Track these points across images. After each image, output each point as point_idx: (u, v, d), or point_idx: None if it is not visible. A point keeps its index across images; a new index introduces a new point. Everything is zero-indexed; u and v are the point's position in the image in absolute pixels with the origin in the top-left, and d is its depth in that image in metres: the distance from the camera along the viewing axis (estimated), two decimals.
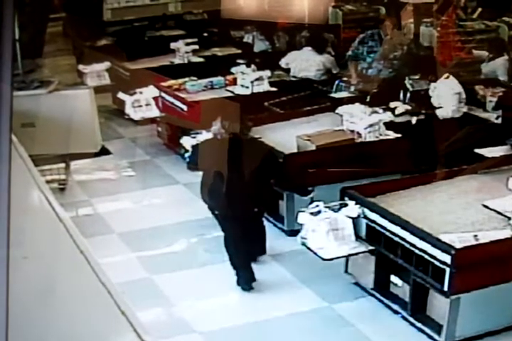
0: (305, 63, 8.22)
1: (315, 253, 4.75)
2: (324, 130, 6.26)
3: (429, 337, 4.48)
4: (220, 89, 7.75)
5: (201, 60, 8.98)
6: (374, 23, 9.95)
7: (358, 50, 7.96)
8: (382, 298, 4.87)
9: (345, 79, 8.00)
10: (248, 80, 7.60)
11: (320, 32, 9.23)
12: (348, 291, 5.06)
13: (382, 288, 4.87)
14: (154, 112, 7.58)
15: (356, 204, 4.83)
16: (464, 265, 4.17)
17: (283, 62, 8.37)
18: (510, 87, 7.24)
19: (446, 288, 4.23)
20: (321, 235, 4.72)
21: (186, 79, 7.85)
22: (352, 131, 6.12)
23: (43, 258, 2.34)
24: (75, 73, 9.15)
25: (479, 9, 9.68)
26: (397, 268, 4.69)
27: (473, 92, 6.88)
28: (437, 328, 4.41)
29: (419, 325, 4.56)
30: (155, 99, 7.55)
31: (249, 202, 5.18)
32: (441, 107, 6.52)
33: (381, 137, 6.11)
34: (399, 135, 6.17)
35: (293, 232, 5.40)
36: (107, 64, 8.43)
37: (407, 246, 4.47)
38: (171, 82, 7.85)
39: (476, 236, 4.39)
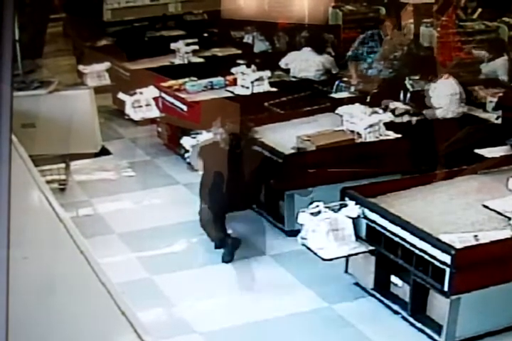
0: (304, 63, 8.22)
1: (315, 254, 4.75)
2: (324, 130, 6.27)
3: (429, 337, 4.48)
4: (220, 90, 7.76)
5: (201, 60, 8.98)
6: (374, 23, 9.96)
7: (358, 51, 7.97)
8: (382, 298, 4.87)
9: (345, 79, 8.01)
10: (248, 80, 7.61)
11: (320, 32, 9.24)
12: (348, 291, 5.07)
13: (382, 288, 4.87)
14: (154, 112, 7.59)
15: (356, 204, 4.83)
16: (464, 265, 4.17)
17: (282, 63, 8.38)
18: (510, 88, 7.25)
19: (446, 289, 4.23)
20: (321, 235, 4.72)
21: (186, 79, 7.85)
22: (352, 132, 6.13)
23: (43, 259, 2.34)
24: (75, 73, 9.16)
25: (479, 10, 9.68)
26: (397, 268, 4.69)
27: (471, 93, 6.89)
28: (437, 328, 4.41)
29: (419, 325, 4.56)
30: (155, 99, 7.55)
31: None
32: (440, 107, 6.52)
33: (381, 137, 6.11)
34: (399, 135, 6.17)
35: (293, 232, 5.40)
36: (107, 64, 8.44)
37: (407, 246, 4.47)
38: (171, 82, 7.85)
39: (476, 236, 4.39)
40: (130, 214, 6.57)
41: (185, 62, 8.88)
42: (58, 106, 6.79)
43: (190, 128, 6.79)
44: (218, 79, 7.83)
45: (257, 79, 7.61)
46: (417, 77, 7.00)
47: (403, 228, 4.51)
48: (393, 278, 4.77)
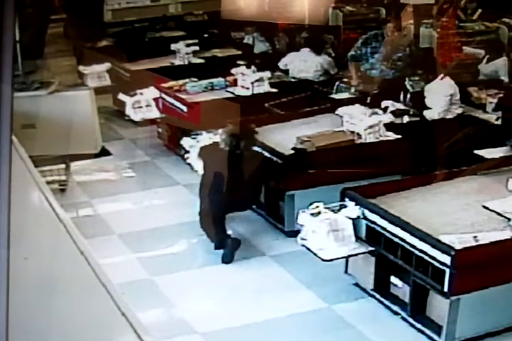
0: (303, 64, 8.23)
1: (315, 254, 4.75)
2: (324, 131, 6.27)
3: (429, 338, 4.48)
4: (221, 90, 7.76)
5: (201, 61, 8.98)
6: (376, 24, 9.97)
7: (360, 51, 7.96)
8: (382, 299, 4.87)
9: (345, 80, 8.01)
10: (248, 81, 7.61)
11: (319, 33, 9.24)
12: (347, 292, 5.07)
13: (382, 288, 4.87)
14: (154, 113, 7.59)
15: (356, 205, 4.84)
16: (463, 266, 4.17)
17: (282, 64, 8.38)
18: (510, 88, 7.25)
19: (446, 289, 4.23)
20: (321, 236, 4.72)
21: (187, 80, 7.85)
22: (352, 132, 6.13)
23: (44, 259, 2.35)
24: (76, 74, 9.15)
25: (479, 10, 9.67)
26: (397, 269, 4.69)
27: (470, 94, 6.89)
28: (437, 329, 4.41)
29: (418, 325, 4.56)
30: (155, 100, 7.55)
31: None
32: (435, 108, 6.51)
33: (381, 138, 6.12)
34: (399, 136, 6.17)
35: (293, 233, 5.41)
36: (107, 65, 8.44)
37: (407, 247, 4.47)
38: (172, 83, 7.85)
39: (475, 237, 4.39)
40: (130, 214, 6.57)
41: (186, 62, 8.88)
42: (58, 107, 6.79)
43: (190, 128, 6.79)
44: (218, 80, 7.83)
45: (257, 80, 7.62)
46: (417, 78, 7.00)
47: (403, 229, 4.52)
48: (393, 279, 4.77)
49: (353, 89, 7.74)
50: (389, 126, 6.19)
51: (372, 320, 4.76)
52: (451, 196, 5.08)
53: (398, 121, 6.43)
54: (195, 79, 7.86)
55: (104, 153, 7.40)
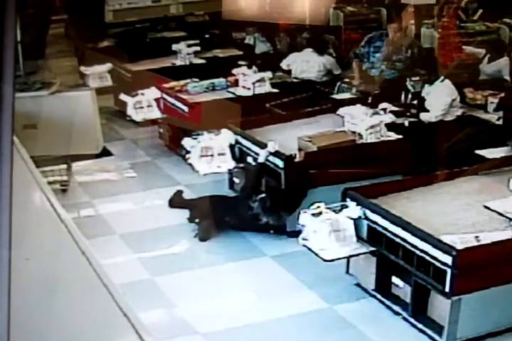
0: (306, 64, 8.23)
1: (316, 255, 4.75)
2: (325, 131, 6.27)
3: (430, 338, 4.48)
4: (222, 91, 7.76)
5: (203, 61, 8.98)
6: (377, 24, 9.98)
7: (363, 49, 7.96)
8: (383, 299, 4.87)
9: (347, 80, 8.01)
10: (250, 82, 7.61)
11: (321, 33, 9.24)
12: (349, 292, 5.07)
13: (383, 289, 4.87)
14: (156, 113, 7.59)
15: (357, 205, 4.84)
16: (465, 266, 4.17)
17: (284, 64, 8.39)
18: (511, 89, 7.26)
19: (447, 289, 4.23)
20: (323, 236, 4.72)
21: (188, 80, 7.85)
22: (353, 132, 6.13)
23: (45, 260, 2.35)
24: (77, 75, 9.17)
25: (480, 11, 9.68)
26: (398, 269, 4.69)
27: (470, 94, 6.88)
28: (438, 329, 4.41)
29: (420, 326, 4.56)
30: (156, 100, 7.55)
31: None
32: (434, 111, 6.49)
33: (382, 138, 6.12)
34: (400, 136, 6.17)
35: (294, 233, 5.41)
36: (108, 65, 8.45)
37: (409, 247, 4.47)
38: (173, 83, 7.85)
39: (477, 237, 4.39)
40: (131, 215, 6.57)
41: (187, 63, 8.88)
42: (60, 108, 6.79)
43: (191, 129, 6.79)
44: (220, 81, 7.83)
45: (258, 80, 7.62)
46: (418, 78, 7.00)
47: (404, 229, 4.51)
48: (394, 279, 4.77)
49: (354, 90, 7.74)
50: (390, 126, 6.19)
51: (373, 320, 4.76)
52: (453, 196, 5.08)
53: (399, 121, 6.43)
54: (197, 80, 7.86)
55: (105, 153, 7.40)
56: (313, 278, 5.21)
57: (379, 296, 4.90)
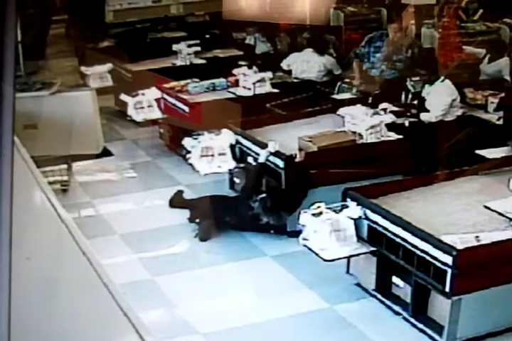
0: (306, 64, 8.24)
1: (316, 254, 4.76)
2: (326, 131, 6.27)
3: (431, 338, 4.48)
4: (222, 91, 7.76)
5: (203, 61, 8.99)
6: (377, 24, 9.97)
7: (364, 49, 7.96)
8: (383, 299, 4.87)
9: (347, 80, 8.01)
10: (250, 82, 7.61)
11: (321, 33, 9.25)
12: (349, 292, 5.07)
13: (383, 289, 4.87)
14: (156, 114, 7.59)
15: (358, 205, 4.84)
16: (465, 266, 4.18)
17: (284, 64, 8.39)
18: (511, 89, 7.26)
19: (447, 289, 4.24)
20: (323, 236, 4.73)
21: (188, 80, 7.86)
22: (353, 133, 6.13)
23: (45, 259, 2.35)
24: (78, 75, 9.17)
25: (480, 10, 9.68)
26: (398, 269, 4.69)
27: (463, 95, 6.88)
28: (438, 329, 4.41)
29: (420, 326, 4.56)
30: (157, 100, 7.56)
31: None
32: (434, 111, 6.49)
33: (383, 138, 6.12)
34: (400, 136, 6.18)
35: (294, 233, 5.41)
36: (109, 65, 8.45)
37: (409, 247, 4.48)
38: (173, 83, 7.86)
39: (477, 237, 4.39)
40: (132, 215, 6.58)
41: (187, 63, 8.88)
42: (60, 108, 6.80)
43: (192, 129, 6.80)
44: (220, 81, 7.84)
45: (258, 81, 7.62)
46: (418, 78, 7.00)
47: (404, 229, 4.52)
48: (395, 279, 4.77)
49: (354, 90, 7.74)
50: (390, 127, 6.20)
51: (373, 320, 4.76)
52: (453, 196, 5.08)
53: (399, 121, 6.43)
54: (197, 80, 7.86)
55: (105, 153, 7.40)
56: (314, 278, 5.21)
57: (379, 296, 4.90)
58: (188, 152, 6.34)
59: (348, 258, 4.96)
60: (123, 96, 7.61)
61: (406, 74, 7.30)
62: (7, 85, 1.47)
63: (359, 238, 4.81)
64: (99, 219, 6.38)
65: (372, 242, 4.80)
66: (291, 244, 5.54)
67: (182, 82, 7.82)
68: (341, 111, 6.37)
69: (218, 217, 5.97)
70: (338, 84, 7.96)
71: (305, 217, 4.78)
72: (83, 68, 8.57)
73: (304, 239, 4.80)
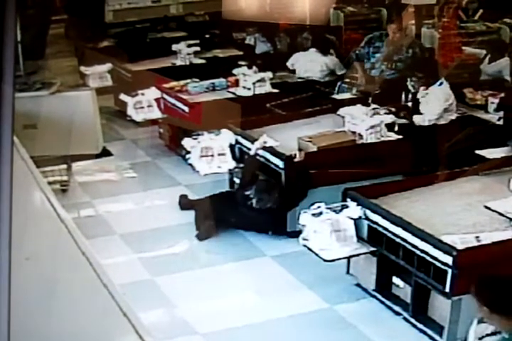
0: (309, 64, 8.24)
1: (316, 255, 4.75)
2: (326, 131, 6.27)
3: (431, 338, 4.48)
4: (222, 91, 7.76)
5: (203, 61, 8.98)
6: (377, 24, 9.97)
7: (364, 50, 7.96)
8: (383, 300, 4.87)
9: (347, 80, 8.01)
10: (250, 82, 7.61)
11: (322, 33, 9.24)
12: (349, 292, 5.07)
13: (383, 289, 4.87)
14: (156, 113, 7.59)
15: (358, 205, 4.83)
16: (465, 266, 4.17)
17: (289, 63, 8.40)
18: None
19: (447, 290, 4.23)
20: (323, 236, 4.72)
21: (188, 80, 7.85)
22: (353, 133, 6.13)
23: (45, 260, 2.35)
24: (77, 75, 9.17)
25: (480, 11, 9.68)
26: (398, 269, 4.69)
27: (462, 95, 6.86)
28: (439, 329, 4.41)
29: (420, 326, 4.56)
30: (157, 100, 7.55)
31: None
32: (428, 114, 6.45)
33: (383, 138, 6.11)
34: (400, 136, 6.17)
35: (294, 233, 5.41)
36: (108, 65, 8.44)
37: (409, 247, 4.47)
38: (173, 83, 7.85)
39: (477, 237, 4.39)
40: (132, 215, 6.58)
41: (187, 63, 8.87)
42: (60, 108, 6.79)
43: (191, 129, 6.79)
44: (220, 81, 7.83)
45: (258, 81, 7.62)
46: (418, 78, 6.98)
47: (405, 229, 4.51)
48: (395, 279, 4.77)
49: (354, 90, 7.73)
50: (390, 127, 6.19)
51: (373, 321, 4.76)
52: (453, 196, 5.08)
53: (400, 121, 6.42)
54: (197, 80, 7.86)
55: (105, 153, 7.39)
56: (314, 279, 5.21)
57: (379, 296, 4.90)
58: (188, 152, 6.34)
59: (348, 258, 4.96)
60: (123, 96, 7.60)
61: (406, 74, 7.29)
62: (7, 85, 1.46)
63: (359, 238, 4.80)
64: (98, 219, 6.38)
65: (372, 242, 4.80)
66: (291, 244, 5.53)
67: (182, 82, 7.82)
68: (341, 111, 6.37)
69: (219, 214, 5.97)
70: (338, 84, 7.96)
71: (305, 217, 4.77)
72: (83, 68, 8.56)
73: (304, 239, 4.80)
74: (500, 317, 2.79)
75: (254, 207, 5.82)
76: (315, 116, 6.87)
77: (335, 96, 7.72)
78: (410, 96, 6.88)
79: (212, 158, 6.22)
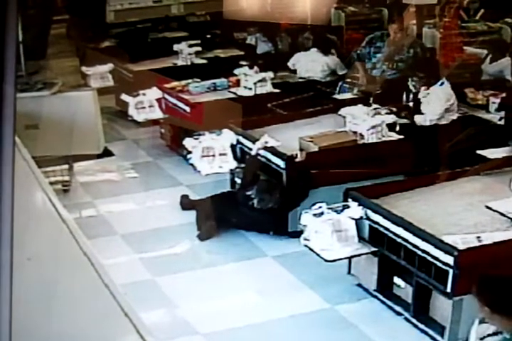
0: (311, 64, 8.24)
1: (318, 255, 4.75)
2: (327, 131, 6.27)
3: (432, 338, 4.48)
4: (223, 91, 7.76)
5: (204, 61, 8.98)
6: (378, 24, 9.96)
7: (365, 49, 7.95)
8: (384, 300, 4.87)
9: (348, 80, 8.01)
10: (251, 82, 7.61)
11: (323, 33, 9.24)
12: (350, 293, 5.07)
13: (385, 289, 4.87)
14: (157, 114, 7.59)
15: (359, 205, 4.83)
16: (466, 266, 4.17)
17: (290, 63, 8.40)
18: None
19: (449, 290, 4.23)
20: (324, 236, 4.72)
21: (189, 80, 7.85)
22: (355, 133, 6.12)
23: (46, 260, 2.35)
24: (79, 75, 9.17)
25: (482, 10, 9.68)
26: (400, 269, 4.69)
27: (463, 95, 6.86)
28: (440, 330, 4.40)
29: (421, 326, 4.56)
30: (158, 100, 7.56)
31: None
32: (429, 115, 6.44)
33: (384, 138, 6.11)
34: (401, 136, 6.17)
35: (295, 234, 5.41)
36: (110, 65, 8.45)
37: (410, 247, 4.47)
38: (174, 83, 7.85)
39: (479, 237, 4.38)
40: (133, 215, 6.58)
41: (188, 63, 8.88)
42: (61, 108, 6.80)
43: (193, 129, 6.80)
44: (221, 81, 7.83)
45: (259, 81, 7.62)
46: (419, 78, 6.98)
47: (406, 229, 4.51)
48: (396, 280, 4.76)
49: (355, 90, 7.73)
50: (392, 127, 6.19)
51: (375, 321, 4.76)
52: (454, 196, 5.08)
53: (401, 121, 6.42)
54: (198, 80, 7.86)
55: (106, 153, 7.40)
56: (315, 279, 5.21)
57: (380, 296, 4.90)
58: (189, 152, 6.34)
59: (350, 258, 4.96)
60: (124, 96, 7.61)
61: (407, 74, 7.29)
62: (8, 85, 1.46)
63: (360, 238, 4.80)
64: (100, 220, 6.38)
65: (373, 242, 4.80)
66: (292, 245, 5.53)
67: (183, 82, 7.82)
68: (342, 111, 6.37)
69: (220, 214, 5.98)
70: (339, 84, 7.96)
71: (306, 218, 4.77)
72: (84, 68, 8.57)
73: (305, 240, 4.80)
74: (502, 318, 2.79)
75: (255, 207, 5.82)
76: (316, 116, 6.87)
77: (336, 96, 7.72)
78: (411, 96, 6.88)
79: (214, 158, 6.22)
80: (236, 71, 7.86)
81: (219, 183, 6.70)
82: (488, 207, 4.83)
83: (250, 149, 6.27)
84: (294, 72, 8.35)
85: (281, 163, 5.89)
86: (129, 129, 8.58)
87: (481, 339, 2.95)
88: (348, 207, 4.85)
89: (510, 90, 7.08)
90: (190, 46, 8.97)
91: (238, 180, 6.53)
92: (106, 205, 6.69)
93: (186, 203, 6.45)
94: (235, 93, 7.68)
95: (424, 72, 6.91)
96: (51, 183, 5.38)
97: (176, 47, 9.00)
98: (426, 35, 8.98)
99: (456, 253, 4.14)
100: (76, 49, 10.98)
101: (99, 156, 7.28)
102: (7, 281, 1.49)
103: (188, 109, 7.41)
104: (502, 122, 6.48)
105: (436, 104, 6.42)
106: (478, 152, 5.90)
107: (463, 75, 7.95)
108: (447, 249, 4.21)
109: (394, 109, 6.53)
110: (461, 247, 4.22)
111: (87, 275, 2.28)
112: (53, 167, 6.75)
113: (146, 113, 7.53)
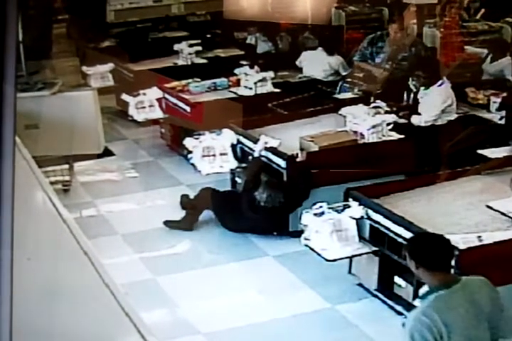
0: (316, 63, 8.25)
1: (318, 254, 4.75)
2: (327, 131, 6.26)
3: None
4: (224, 91, 7.76)
5: (204, 61, 8.98)
6: (379, 24, 9.96)
7: (365, 49, 7.95)
8: (385, 299, 4.87)
9: (349, 79, 8.00)
10: (251, 81, 7.61)
11: (329, 33, 9.25)
12: (351, 292, 5.06)
13: (385, 289, 4.87)
14: (157, 113, 7.59)
15: (360, 205, 4.83)
16: (467, 266, 4.16)
17: (298, 62, 8.42)
18: None
19: None
20: (325, 236, 4.72)
21: (190, 80, 7.85)
22: (355, 132, 6.12)
23: (47, 260, 2.35)
24: (79, 75, 9.18)
25: (482, 10, 9.67)
26: (400, 269, 4.68)
27: (465, 95, 6.85)
28: None
29: None
30: (158, 100, 7.56)
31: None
32: (426, 115, 6.42)
33: (384, 138, 6.11)
34: (402, 136, 6.16)
35: (296, 233, 5.40)
36: (110, 65, 8.45)
37: None
38: (175, 83, 7.85)
39: (479, 237, 4.38)
40: (133, 215, 6.58)
41: (189, 63, 8.88)
42: (62, 108, 6.80)
43: (193, 129, 6.80)
44: (221, 80, 7.83)
45: (260, 80, 7.62)
46: (420, 78, 6.97)
47: (407, 229, 4.51)
48: (396, 279, 4.76)
49: (356, 89, 7.72)
50: (392, 126, 6.18)
51: (375, 320, 4.76)
52: (455, 196, 5.08)
53: (401, 121, 6.42)
54: (198, 80, 7.86)
55: (107, 153, 7.40)
56: (316, 278, 5.21)
57: (381, 296, 4.90)
58: (190, 152, 6.34)
59: (350, 258, 4.96)
60: (124, 96, 7.61)
61: (408, 73, 7.28)
62: (8, 85, 1.46)
63: (361, 238, 4.80)
64: (100, 219, 6.38)
65: (374, 242, 4.80)
66: (293, 244, 5.53)
67: (183, 82, 7.82)
68: (343, 110, 6.36)
69: (222, 215, 5.99)
70: (340, 83, 7.95)
71: (307, 217, 4.77)
72: (84, 68, 8.57)
73: (306, 239, 4.80)
74: (425, 272, 2.98)
75: (259, 208, 5.78)
76: (317, 116, 6.87)
77: (336, 95, 7.72)
78: (412, 95, 6.88)
79: (214, 157, 6.22)
80: (236, 71, 7.86)
81: (219, 183, 6.70)
82: (488, 207, 4.82)
83: (251, 149, 6.26)
84: (296, 71, 8.34)
85: (282, 163, 5.89)
86: (129, 129, 8.58)
87: (420, 297, 3.15)
88: (348, 206, 4.85)
89: (511, 90, 7.08)
90: (191, 46, 8.97)
91: (239, 180, 6.53)
92: (106, 205, 6.69)
93: (186, 203, 6.45)
94: (235, 93, 7.67)
95: (425, 71, 6.90)
96: (51, 183, 5.38)
97: (176, 46, 9.00)
98: (426, 34, 8.97)
99: (456, 252, 4.13)
100: (76, 49, 10.98)
101: (99, 156, 7.28)
102: (7, 281, 1.49)
103: (188, 108, 7.41)
104: (503, 121, 6.47)
105: (432, 105, 6.41)
106: (479, 151, 5.90)
107: (463, 75, 7.95)
108: None
109: (394, 109, 6.53)
110: (461, 247, 4.22)
111: (88, 274, 2.28)
112: (53, 167, 6.75)
113: (147, 113, 7.53)
